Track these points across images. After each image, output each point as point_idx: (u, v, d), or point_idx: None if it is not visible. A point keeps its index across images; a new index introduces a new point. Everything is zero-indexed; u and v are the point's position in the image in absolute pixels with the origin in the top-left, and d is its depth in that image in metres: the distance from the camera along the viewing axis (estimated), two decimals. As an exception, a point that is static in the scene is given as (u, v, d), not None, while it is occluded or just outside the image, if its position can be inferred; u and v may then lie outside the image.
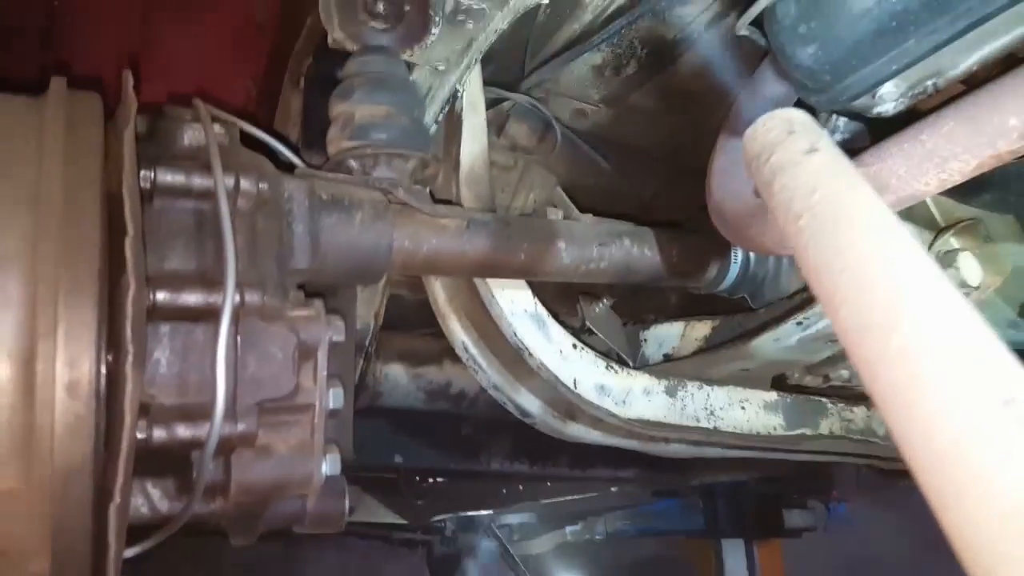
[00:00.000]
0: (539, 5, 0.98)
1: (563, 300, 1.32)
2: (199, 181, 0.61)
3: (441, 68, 1.01)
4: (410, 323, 1.37)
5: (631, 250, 0.95)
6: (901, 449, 0.39)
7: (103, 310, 0.45)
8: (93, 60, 1.09)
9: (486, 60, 1.27)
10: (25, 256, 0.44)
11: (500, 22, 0.96)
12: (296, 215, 0.70)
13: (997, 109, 0.60)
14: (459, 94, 1.06)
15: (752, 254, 1.04)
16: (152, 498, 0.63)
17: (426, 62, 1.00)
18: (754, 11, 0.73)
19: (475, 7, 0.94)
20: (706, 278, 1.02)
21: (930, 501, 0.37)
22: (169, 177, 0.60)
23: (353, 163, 0.80)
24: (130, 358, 0.45)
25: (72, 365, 0.44)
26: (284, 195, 0.69)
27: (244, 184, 0.63)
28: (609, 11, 1.16)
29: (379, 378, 1.35)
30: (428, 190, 0.85)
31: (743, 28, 0.73)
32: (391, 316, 1.34)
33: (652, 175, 1.45)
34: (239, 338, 0.61)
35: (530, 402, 1.10)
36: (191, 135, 0.65)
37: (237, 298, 0.60)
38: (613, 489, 2.33)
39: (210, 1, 1.21)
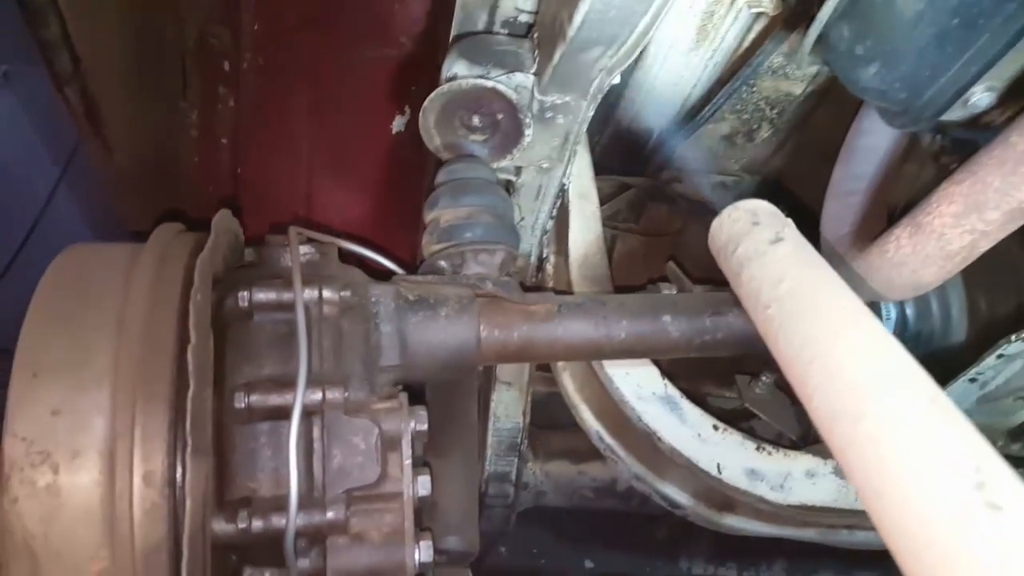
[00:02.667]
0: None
1: (719, 380, 1.24)
2: (288, 296, 0.70)
3: (545, 166, 1.06)
4: (568, 420, 1.36)
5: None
6: (880, 534, 0.39)
7: (175, 411, 0.54)
8: (270, 218, 1.30)
9: (609, 150, 1.32)
10: (111, 371, 0.54)
11: (588, 109, 1.00)
12: (383, 316, 0.76)
13: None
14: (567, 186, 1.10)
15: (909, 310, 0.92)
16: (270, 587, 0.70)
17: (530, 163, 1.06)
18: (809, 41, 0.69)
19: (559, 102, 0.99)
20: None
21: None
22: (262, 295, 0.70)
23: (443, 263, 0.86)
24: (188, 449, 0.53)
25: (147, 459, 0.52)
26: (371, 299, 0.76)
27: (327, 293, 0.71)
28: (711, 81, 1.15)
29: (540, 477, 1.35)
30: (519, 281, 0.88)
31: (805, 61, 0.69)
32: (549, 415, 1.36)
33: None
34: (324, 431, 0.67)
35: (675, 492, 1.03)
36: (285, 256, 0.75)
37: (319, 395, 0.67)
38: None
39: (361, 158, 1.40)
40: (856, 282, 0.72)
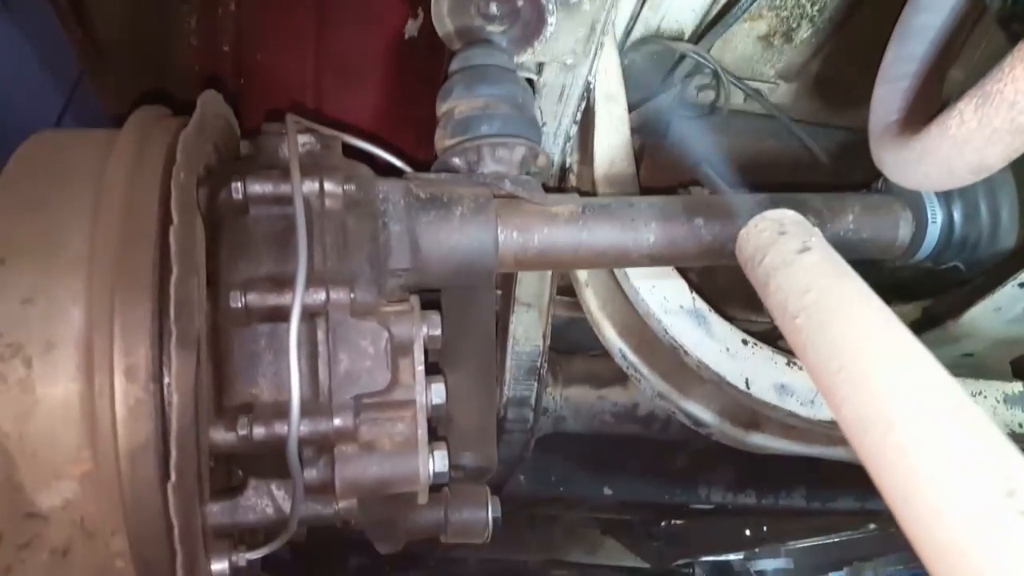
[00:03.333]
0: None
1: (748, 303, 1.18)
2: (286, 188, 0.64)
3: (569, 62, 0.98)
4: (589, 345, 1.31)
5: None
6: (911, 543, 0.39)
7: (158, 300, 0.48)
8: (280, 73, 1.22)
9: (636, 55, 1.22)
10: (87, 256, 0.48)
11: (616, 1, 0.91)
12: (391, 215, 0.70)
13: None
14: (593, 86, 1.01)
15: (957, 212, 0.84)
16: (276, 500, 0.66)
17: (553, 58, 0.97)
18: None
19: (586, -5, 0.90)
20: (898, 245, 0.83)
21: None
22: (258, 187, 0.64)
23: (458, 160, 0.79)
24: (174, 340, 0.47)
25: (128, 352, 0.47)
26: (378, 196, 0.70)
27: (329, 186, 0.65)
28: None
29: (560, 402, 1.31)
30: (540, 180, 0.81)
31: None
32: (570, 340, 1.30)
33: (840, 146, 1.26)
34: (329, 333, 0.62)
35: (700, 409, 0.98)
36: (284, 147, 0.68)
37: (322, 295, 0.61)
38: (872, 527, 1.99)
39: (372, 61, 1.31)
40: (909, 168, 0.64)
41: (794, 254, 0.54)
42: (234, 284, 0.60)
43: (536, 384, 1.25)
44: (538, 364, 1.24)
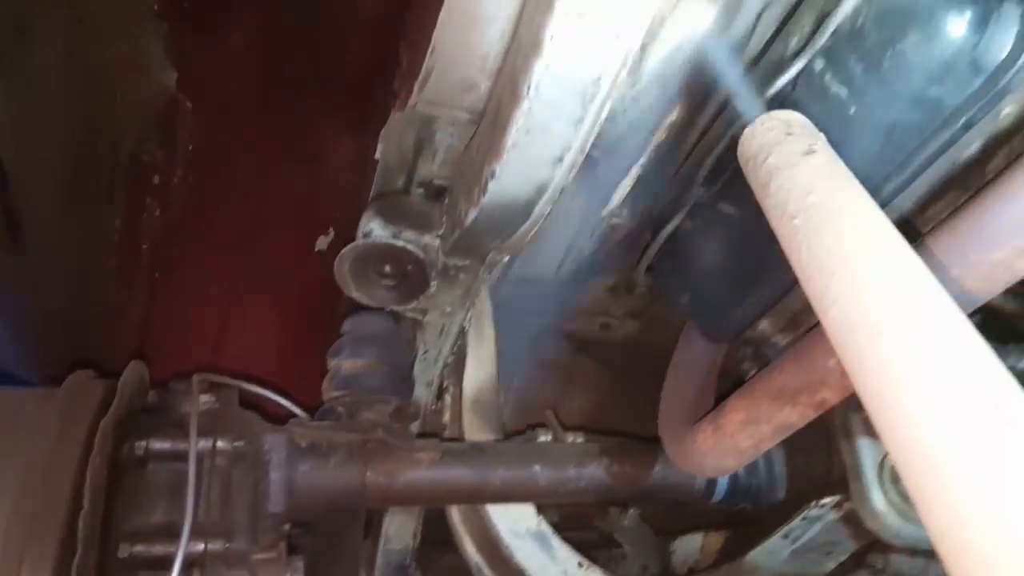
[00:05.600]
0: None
1: (594, 511, 1.34)
2: (182, 446, 0.77)
3: (448, 311, 1.17)
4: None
5: (610, 468, 0.99)
6: (890, 453, 0.39)
7: (60, 568, 0.59)
8: (182, 341, 1.34)
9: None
10: (4, 525, 0.59)
11: (485, 271, 1.12)
12: (273, 464, 0.83)
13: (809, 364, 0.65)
14: (467, 329, 1.20)
15: (741, 467, 1.05)
16: None
17: (434, 307, 1.16)
18: (642, 267, 0.83)
19: (460, 264, 1.11)
20: (696, 490, 1.03)
21: (917, 504, 0.37)
22: (158, 445, 0.76)
23: (341, 410, 0.94)
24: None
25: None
26: (264, 448, 0.83)
27: (220, 444, 0.78)
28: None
29: (427, 598, 1.39)
30: (411, 428, 0.97)
31: (640, 278, 0.82)
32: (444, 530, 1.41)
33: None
34: (199, 583, 0.73)
35: (545, 625, 1.10)
36: (187, 404, 0.82)
37: (201, 547, 0.72)
38: None
39: (284, 274, 1.46)
40: (680, 459, 0.84)
41: (799, 155, 0.53)
42: (124, 535, 0.71)
43: (404, 582, 1.35)
44: (407, 562, 1.34)
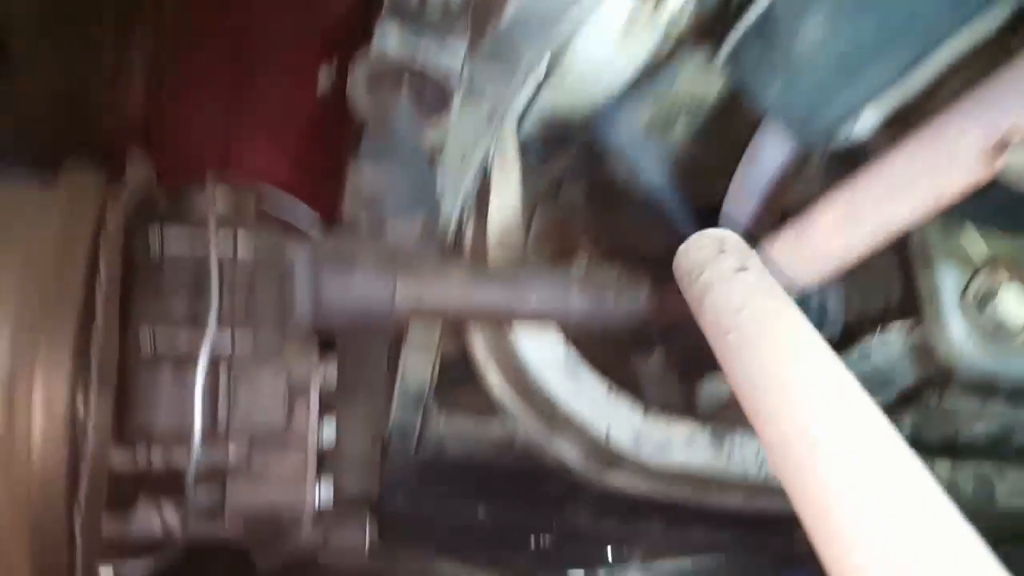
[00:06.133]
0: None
1: (615, 351, 1.32)
2: (200, 246, 0.71)
3: (471, 138, 1.09)
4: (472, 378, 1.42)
5: (651, 296, 0.95)
6: (821, 555, 0.40)
7: (79, 350, 0.55)
8: (184, 161, 1.27)
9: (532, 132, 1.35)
10: (15, 307, 0.55)
11: (516, 86, 1.03)
12: (298, 275, 0.78)
13: (955, 126, 0.58)
14: (491, 156, 1.13)
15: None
16: (167, 520, 0.72)
17: (456, 133, 1.08)
18: (725, 50, 0.74)
19: (487, 78, 1.02)
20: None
21: None
22: (174, 237, 0.71)
23: (363, 227, 0.88)
24: (93, 380, 0.54)
25: (47, 392, 0.53)
26: (286, 255, 0.78)
27: (241, 241, 0.73)
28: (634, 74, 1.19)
29: (442, 431, 1.40)
30: (437, 247, 0.92)
31: (720, 67, 0.74)
32: (458, 370, 1.40)
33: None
34: (232, 375, 0.70)
35: (566, 452, 1.11)
36: (200, 207, 0.76)
37: (227, 339, 0.69)
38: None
39: (287, 112, 1.37)
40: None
41: (732, 272, 0.57)
42: (145, 325, 0.67)
43: (421, 415, 1.35)
44: (424, 397, 1.33)
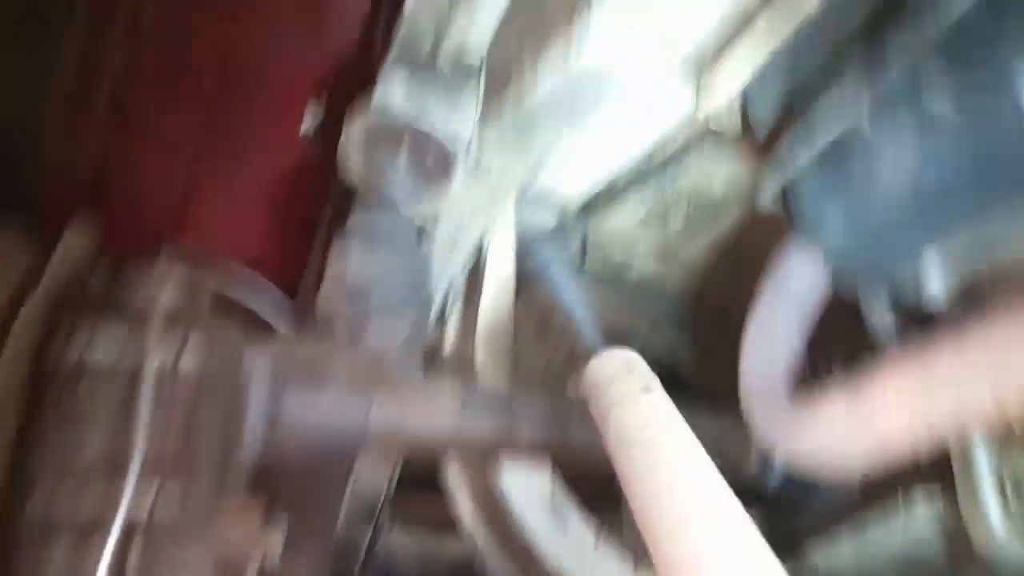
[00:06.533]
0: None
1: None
2: (134, 356, 0.55)
3: (466, 221, 0.96)
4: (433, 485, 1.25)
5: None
6: None
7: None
8: (139, 213, 1.09)
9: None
10: None
11: (524, 175, 0.91)
12: (253, 392, 0.62)
13: None
14: (485, 247, 1.00)
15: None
16: None
17: (450, 213, 0.95)
18: (775, 184, 0.63)
19: (496, 160, 0.89)
20: (747, 467, 0.86)
21: None
22: (103, 344, 0.54)
23: (341, 328, 0.73)
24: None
25: None
26: (241, 367, 0.62)
27: (186, 359, 0.56)
28: (651, 165, 1.09)
29: (393, 548, 1.22)
30: (421, 360, 0.77)
31: (765, 202, 0.63)
32: (415, 476, 1.23)
33: (695, 339, 1.33)
34: (148, 552, 0.52)
35: (543, 601, 0.94)
36: (144, 295, 0.59)
37: (148, 503, 0.51)
38: None
39: (260, 149, 1.22)
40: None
41: (638, 391, 0.59)
42: (43, 474, 0.49)
43: (371, 529, 1.17)
44: (377, 508, 1.15)
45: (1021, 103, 0.46)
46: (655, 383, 0.60)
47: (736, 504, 0.49)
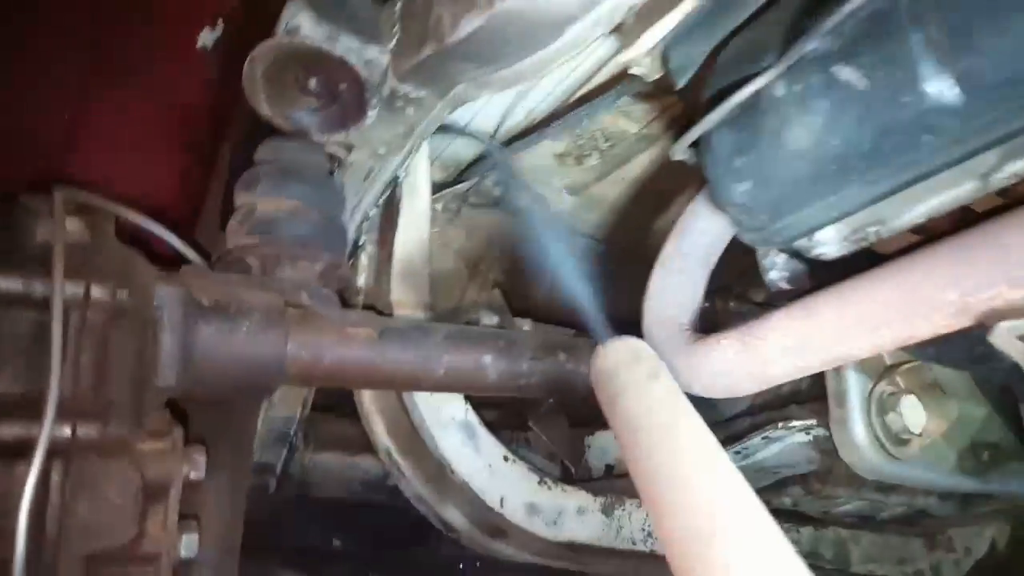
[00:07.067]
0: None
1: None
2: (41, 289, 0.53)
3: (382, 152, 0.95)
4: (346, 407, 1.28)
5: (565, 365, 0.86)
6: None
7: None
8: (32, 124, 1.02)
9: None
10: None
11: (441, 111, 0.90)
12: (166, 326, 0.61)
13: (935, 280, 0.53)
14: (400, 180, 1.00)
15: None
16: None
17: (365, 144, 0.94)
18: (690, 137, 0.66)
19: (413, 95, 0.88)
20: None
21: None
22: (4, 284, 0.52)
23: (252, 261, 0.72)
24: None
25: None
26: (152, 302, 0.61)
27: (96, 292, 0.56)
28: (569, 101, 1.10)
29: (308, 467, 1.25)
30: (338, 293, 0.77)
31: (679, 153, 0.66)
32: (328, 399, 1.26)
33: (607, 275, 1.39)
34: (68, 480, 0.53)
35: (455, 517, 1.01)
36: (45, 230, 0.57)
37: (68, 431, 0.52)
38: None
39: (152, 72, 1.15)
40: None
41: (645, 378, 0.61)
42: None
43: (285, 451, 1.19)
44: (291, 432, 1.17)
45: (919, 85, 0.51)
46: (663, 370, 0.62)
47: (744, 484, 0.51)
